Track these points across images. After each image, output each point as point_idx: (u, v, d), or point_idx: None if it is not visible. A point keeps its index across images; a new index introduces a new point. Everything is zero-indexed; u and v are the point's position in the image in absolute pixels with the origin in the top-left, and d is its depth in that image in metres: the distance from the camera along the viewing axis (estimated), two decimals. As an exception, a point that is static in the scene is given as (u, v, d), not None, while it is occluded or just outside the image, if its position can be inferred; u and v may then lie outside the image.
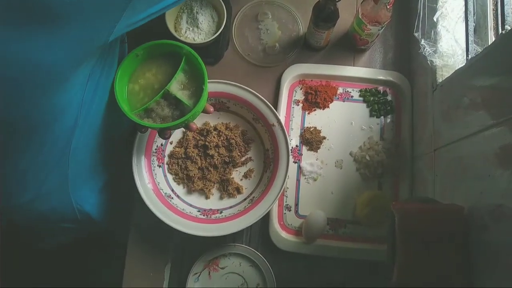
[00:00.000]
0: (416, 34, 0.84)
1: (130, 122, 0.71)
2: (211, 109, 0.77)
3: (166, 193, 0.88)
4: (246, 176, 0.93)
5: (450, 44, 0.81)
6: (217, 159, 0.91)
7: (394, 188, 0.93)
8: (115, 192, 0.95)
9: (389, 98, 0.98)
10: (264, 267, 0.88)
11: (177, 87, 0.74)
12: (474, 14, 0.80)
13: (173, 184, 0.91)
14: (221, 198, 0.92)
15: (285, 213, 0.92)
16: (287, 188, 0.93)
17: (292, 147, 0.95)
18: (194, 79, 0.75)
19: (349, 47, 1.02)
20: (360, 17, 0.89)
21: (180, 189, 0.92)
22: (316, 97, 0.97)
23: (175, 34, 0.94)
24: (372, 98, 0.97)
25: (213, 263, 0.90)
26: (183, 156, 0.92)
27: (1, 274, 0.60)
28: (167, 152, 0.93)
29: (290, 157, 0.87)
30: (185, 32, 0.96)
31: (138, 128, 0.74)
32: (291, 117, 0.97)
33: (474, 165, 0.65)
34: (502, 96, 0.59)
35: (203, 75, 0.72)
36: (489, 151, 0.60)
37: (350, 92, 0.99)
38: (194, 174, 0.91)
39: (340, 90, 0.99)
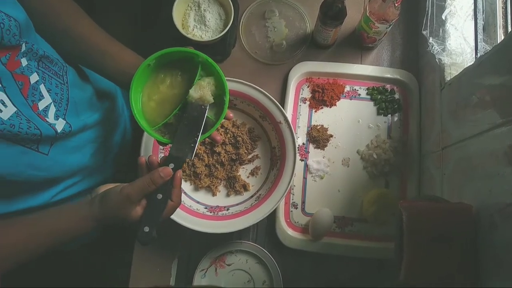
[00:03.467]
0: (424, 32, 0.84)
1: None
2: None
3: (173, 190, 0.89)
4: (252, 173, 0.93)
5: (459, 42, 0.81)
6: (224, 157, 0.92)
7: (401, 187, 0.93)
8: None
9: (396, 96, 0.97)
10: (271, 264, 0.89)
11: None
12: (483, 12, 0.80)
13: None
14: (228, 195, 0.92)
15: (291, 211, 0.92)
16: (294, 186, 0.93)
17: (299, 145, 0.95)
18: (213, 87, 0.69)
19: (357, 45, 1.02)
20: (367, 15, 0.89)
21: (187, 186, 0.92)
22: (323, 95, 0.97)
23: (183, 31, 0.94)
24: (379, 96, 0.97)
25: (220, 260, 0.90)
26: (190, 153, 0.92)
27: (1, 274, 0.62)
28: (174, 149, 0.93)
29: (297, 155, 0.87)
30: (193, 29, 0.97)
31: (160, 143, 0.70)
32: (298, 115, 0.97)
33: (483, 164, 0.65)
34: (511, 95, 0.58)
35: (222, 83, 0.67)
36: (498, 150, 0.59)
37: (357, 90, 0.99)
38: (201, 171, 0.91)
39: (347, 88, 0.98)
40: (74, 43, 0.71)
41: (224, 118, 0.68)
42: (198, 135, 0.66)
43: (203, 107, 0.66)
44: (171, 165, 0.63)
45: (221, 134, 0.92)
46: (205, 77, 0.67)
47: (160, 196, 0.62)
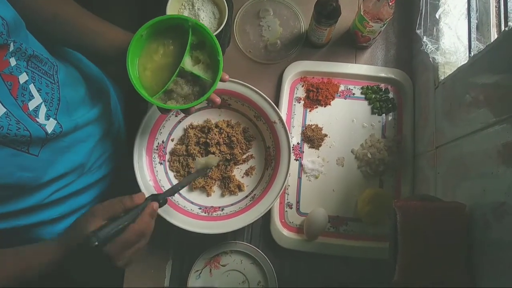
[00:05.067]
0: (418, 31, 0.84)
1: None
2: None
3: (167, 190, 0.88)
4: (247, 173, 0.93)
5: (453, 41, 0.81)
6: (218, 157, 0.91)
7: (396, 186, 0.93)
8: (116, 190, 0.95)
9: (390, 95, 0.97)
10: (265, 265, 0.88)
11: (190, 63, 0.71)
12: (476, 11, 0.80)
13: (175, 181, 0.91)
14: (222, 195, 0.92)
15: (286, 211, 0.92)
16: (289, 185, 0.93)
17: (293, 145, 0.95)
18: (205, 50, 0.72)
19: (351, 44, 1.01)
20: (362, 14, 0.88)
21: (181, 187, 0.92)
22: (317, 94, 0.97)
23: (176, 31, 0.93)
24: (373, 96, 0.97)
25: (214, 261, 0.90)
26: (184, 153, 0.92)
27: None
28: (168, 149, 0.93)
29: (292, 154, 0.87)
30: (186, 29, 0.96)
31: (162, 111, 0.73)
32: (292, 114, 0.97)
33: (477, 163, 0.65)
34: (504, 94, 0.58)
35: (214, 44, 0.69)
36: (492, 149, 0.59)
37: (352, 89, 0.98)
38: (195, 172, 0.91)
39: (341, 88, 0.98)
40: (64, 27, 0.71)
41: (220, 80, 0.71)
42: (184, 186, 0.75)
43: (207, 170, 0.80)
44: (149, 198, 0.66)
45: (215, 134, 0.91)
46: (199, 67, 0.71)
47: (126, 221, 0.61)
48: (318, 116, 0.97)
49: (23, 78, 0.60)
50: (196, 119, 0.95)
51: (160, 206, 0.68)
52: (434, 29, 0.82)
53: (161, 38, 0.73)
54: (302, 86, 0.99)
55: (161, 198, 0.68)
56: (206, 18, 0.96)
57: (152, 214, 0.65)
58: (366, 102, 0.98)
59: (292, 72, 0.97)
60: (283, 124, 0.88)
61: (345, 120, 0.97)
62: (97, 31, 0.73)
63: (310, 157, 0.95)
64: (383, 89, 0.98)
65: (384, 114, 0.97)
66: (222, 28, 0.94)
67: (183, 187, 0.72)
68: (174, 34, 0.73)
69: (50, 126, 0.65)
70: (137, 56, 0.71)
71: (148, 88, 0.71)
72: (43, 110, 0.64)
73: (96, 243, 0.56)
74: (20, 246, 0.64)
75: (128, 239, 0.61)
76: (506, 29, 0.73)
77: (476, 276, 0.61)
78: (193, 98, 0.71)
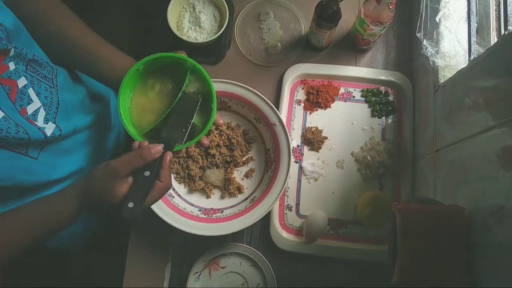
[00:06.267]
0: (418, 35, 0.84)
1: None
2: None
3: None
4: (247, 175, 0.93)
5: (452, 45, 0.81)
6: (218, 159, 0.91)
7: (395, 189, 0.93)
8: None
9: (390, 98, 0.98)
10: (265, 267, 0.88)
11: None
12: (476, 14, 0.80)
13: (174, 183, 0.91)
14: (222, 197, 0.92)
15: (286, 213, 0.92)
16: (288, 188, 0.93)
17: (293, 147, 0.95)
18: (200, 93, 0.71)
19: (351, 47, 1.02)
20: (362, 17, 0.89)
21: (181, 188, 0.92)
22: (317, 97, 0.97)
23: (177, 33, 0.93)
24: (373, 99, 0.97)
25: (214, 263, 0.90)
26: (184, 155, 0.92)
27: (2, 273, 0.62)
28: (169, 151, 0.93)
29: (292, 157, 0.87)
30: (187, 31, 0.96)
31: None
32: (292, 116, 0.97)
33: (476, 166, 0.65)
34: (504, 97, 0.58)
35: (211, 90, 0.68)
36: (491, 152, 0.59)
37: (352, 92, 0.99)
38: (195, 174, 0.91)
39: (341, 90, 0.99)
40: (68, 47, 0.70)
41: (213, 124, 0.69)
42: (190, 122, 0.67)
43: (196, 99, 0.68)
44: (162, 145, 0.63)
45: (215, 136, 0.91)
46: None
47: (148, 173, 0.60)
48: (318, 119, 0.97)
49: (22, 82, 0.60)
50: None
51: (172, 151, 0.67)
52: (434, 33, 0.83)
53: (159, 74, 0.71)
54: (302, 88, 0.99)
55: (173, 146, 0.66)
56: (207, 20, 0.97)
57: (170, 165, 0.64)
58: (366, 105, 0.98)
59: (293, 75, 0.98)
60: (283, 126, 0.88)
61: (345, 123, 0.97)
62: (101, 55, 0.71)
63: (310, 159, 0.95)
64: (383, 92, 0.98)
65: (384, 117, 0.97)
66: (223, 31, 0.94)
67: (187, 129, 0.67)
68: (173, 71, 0.71)
69: (49, 129, 0.65)
70: (131, 89, 0.70)
71: (137, 124, 0.69)
72: (42, 114, 0.64)
73: (140, 212, 0.59)
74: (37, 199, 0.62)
75: (156, 197, 0.63)
76: (506, 33, 0.73)
77: (476, 279, 0.61)
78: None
